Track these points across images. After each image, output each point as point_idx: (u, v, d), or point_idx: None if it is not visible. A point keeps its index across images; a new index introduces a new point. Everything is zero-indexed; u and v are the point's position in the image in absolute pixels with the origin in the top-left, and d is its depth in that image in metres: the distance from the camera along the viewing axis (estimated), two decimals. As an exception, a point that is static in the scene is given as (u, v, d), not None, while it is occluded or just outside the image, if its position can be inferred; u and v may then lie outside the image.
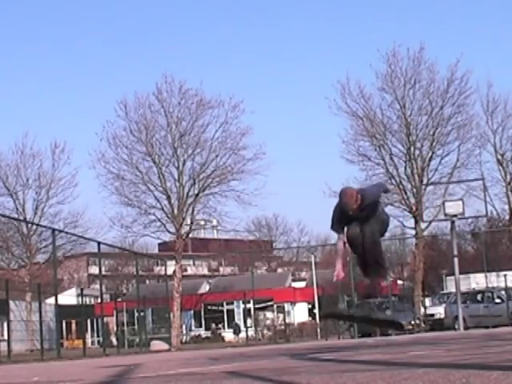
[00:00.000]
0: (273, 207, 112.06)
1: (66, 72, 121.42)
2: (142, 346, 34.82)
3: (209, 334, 51.54)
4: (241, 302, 46.48)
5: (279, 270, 73.58)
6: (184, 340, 49.13)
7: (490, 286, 36.91)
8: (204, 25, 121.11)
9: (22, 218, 46.60)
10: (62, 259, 59.87)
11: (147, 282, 69.60)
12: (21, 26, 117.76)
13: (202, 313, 53.60)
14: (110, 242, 57.70)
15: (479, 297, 35.97)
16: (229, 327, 50.86)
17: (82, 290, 34.49)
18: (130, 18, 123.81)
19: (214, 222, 55.56)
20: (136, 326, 48.09)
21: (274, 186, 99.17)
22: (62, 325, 54.15)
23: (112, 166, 44.94)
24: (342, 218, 9.86)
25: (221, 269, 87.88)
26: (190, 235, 53.46)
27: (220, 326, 52.51)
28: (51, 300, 52.40)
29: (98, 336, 49.70)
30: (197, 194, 45.53)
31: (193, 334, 51.93)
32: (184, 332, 51.22)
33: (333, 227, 10.08)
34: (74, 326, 56.87)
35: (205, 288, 58.01)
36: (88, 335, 52.04)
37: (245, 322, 46.38)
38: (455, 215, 30.96)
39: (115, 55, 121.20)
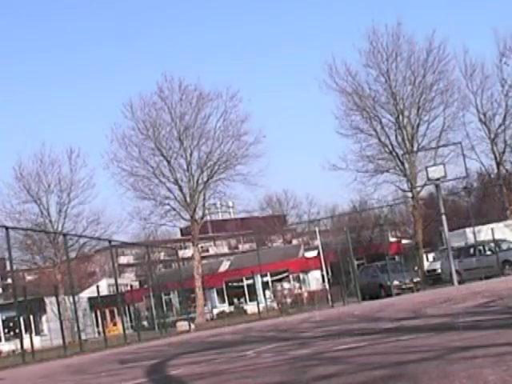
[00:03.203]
0: (282, 184, 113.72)
1: (72, 80, 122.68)
2: (167, 328, 35.93)
3: (232, 308, 52.64)
4: (259, 275, 47.37)
5: (294, 241, 74.57)
6: (210, 317, 50.25)
7: (479, 239, 37.39)
8: (192, 16, 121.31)
9: (47, 220, 47.87)
10: (92, 253, 61.08)
11: (173, 265, 70.71)
12: (23, 38, 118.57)
13: (225, 289, 54.67)
14: (130, 234, 58.99)
15: (471, 251, 36.68)
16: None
17: (116, 279, 34.97)
18: (128, 19, 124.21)
19: (230, 203, 56.39)
20: (165, 309, 49.26)
21: (280, 165, 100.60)
22: (97, 315, 55.62)
23: (125, 164, 46.00)
24: None
25: (240, 246, 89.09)
26: (208, 218, 54.43)
27: (242, 300, 53.56)
28: (83, 294, 53.92)
29: (130, 321, 50.98)
30: (206, 181, 46.48)
31: (217, 310, 52.99)
32: (209, 309, 52.34)
33: None
34: (108, 315, 58.18)
35: (225, 266, 58.98)
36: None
37: (264, 293, 47.50)
38: (438, 179, 31.72)
39: (116, 60, 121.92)
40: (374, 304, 24.68)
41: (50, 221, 48.03)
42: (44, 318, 49.01)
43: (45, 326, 49.01)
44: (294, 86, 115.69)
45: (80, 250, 49.48)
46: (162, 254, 78.93)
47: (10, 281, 59.18)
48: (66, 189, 48.44)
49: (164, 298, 51.10)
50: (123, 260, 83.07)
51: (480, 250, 36.12)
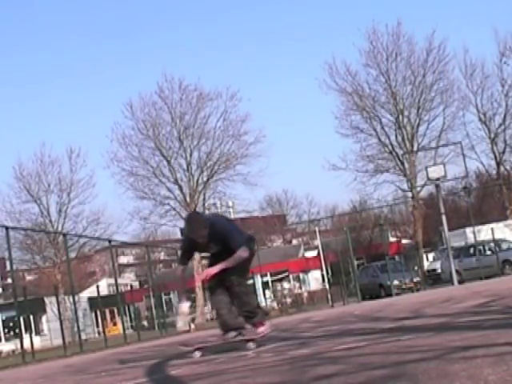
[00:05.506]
0: (282, 184, 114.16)
1: (72, 79, 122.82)
2: (167, 327, 35.94)
3: (232, 308, 52.65)
4: (259, 275, 47.43)
5: (294, 241, 74.66)
6: (210, 317, 50.21)
7: (479, 239, 37.42)
8: (192, 16, 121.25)
9: (47, 220, 47.98)
10: (92, 253, 61.09)
11: (173, 265, 70.68)
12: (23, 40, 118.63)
13: (225, 290, 54.66)
14: (130, 234, 59.04)
15: (471, 250, 36.73)
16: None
17: (116, 279, 34.88)
18: (128, 19, 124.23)
19: (230, 203, 56.40)
20: (165, 309, 49.23)
21: (280, 166, 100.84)
22: (97, 315, 55.60)
23: (125, 163, 46.12)
24: (191, 248, 8.95)
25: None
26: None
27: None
28: (83, 294, 53.96)
29: (130, 321, 50.98)
30: (206, 181, 46.52)
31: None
32: (210, 309, 52.30)
33: (181, 259, 9.11)
34: (108, 314, 58.21)
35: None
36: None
37: (264, 293, 47.56)
38: (438, 179, 31.79)
39: (116, 60, 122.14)
40: (373, 304, 24.70)
41: (50, 221, 48.13)
42: (44, 318, 49.03)
43: (45, 326, 49.03)
44: (294, 86, 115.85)
45: (80, 249, 49.54)
46: (162, 253, 78.97)
47: (10, 281, 59.21)
48: (66, 189, 48.62)
49: (164, 297, 51.10)
50: (123, 260, 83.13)
51: (480, 250, 36.17)
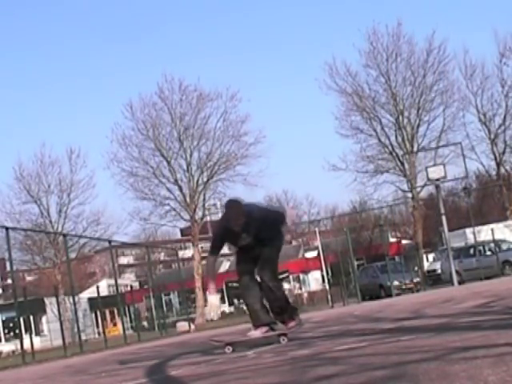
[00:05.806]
0: (282, 184, 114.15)
1: (72, 80, 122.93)
2: (167, 328, 35.96)
3: (232, 309, 52.73)
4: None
5: (294, 242, 74.56)
6: (210, 318, 50.20)
7: (479, 240, 37.42)
8: (192, 16, 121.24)
9: (47, 221, 48.01)
10: (92, 254, 61.11)
11: (173, 266, 70.73)
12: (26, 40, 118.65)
13: (225, 290, 54.71)
14: (130, 234, 59.05)
15: (471, 251, 36.71)
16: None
17: (116, 280, 34.69)
18: (127, 19, 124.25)
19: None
20: (165, 309, 49.27)
21: (280, 166, 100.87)
22: (97, 315, 55.59)
23: (125, 164, 46.10)
24: (223, 238, 8.89)
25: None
26: (208, 218, 54.48)
27: (242, 300, 53.58)
28: (83, 294, 53.95)
29: (130, 322, 50.99)
30: (206, 182, 46.53)
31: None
32: (208, 311, 52.29)
33: (212, 249, 8.97)
34: (108, 315, 58.20)
35: (225, 266, 59.04)
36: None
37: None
38: (438, 179, 31.82)
39: (116, 60, 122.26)
40: (373, 304, 24.73)
41: (50, 221, 48.15)
42: (44, 319, 49.04)
43: (45, 327, 49.05)
44: (294, 87, 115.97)
45: (80, 250, 49.53)
46: (162, 254, 78.98)
47: (10, 281, 59.22)
48: (66, 189, 48.62)
49: (164, 298, 51.15)
50: (123, 260, 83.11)
51: (480, 251, 36.19)
